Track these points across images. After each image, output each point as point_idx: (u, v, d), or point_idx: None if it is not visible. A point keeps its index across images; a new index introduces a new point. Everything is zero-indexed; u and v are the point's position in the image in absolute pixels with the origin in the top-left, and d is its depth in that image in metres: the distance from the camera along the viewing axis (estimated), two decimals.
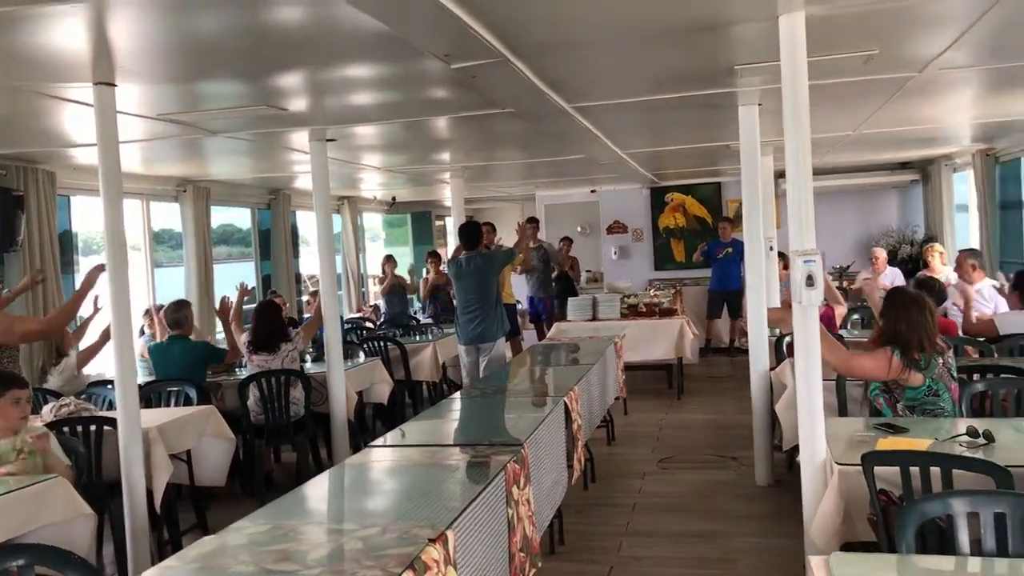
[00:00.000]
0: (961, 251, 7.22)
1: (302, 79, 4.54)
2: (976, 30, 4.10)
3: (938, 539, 2.68)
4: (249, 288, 6.79)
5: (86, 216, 8.07)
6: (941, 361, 4.10)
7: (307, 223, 11.91)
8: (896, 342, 4.04)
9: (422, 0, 2.91)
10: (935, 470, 3.02)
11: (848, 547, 3.44)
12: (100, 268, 4.89)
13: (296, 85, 4.66)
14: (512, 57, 3.95)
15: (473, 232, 7.44)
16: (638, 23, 3.67)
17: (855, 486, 3.33)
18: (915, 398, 4.03)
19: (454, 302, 7.79)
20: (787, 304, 6.94)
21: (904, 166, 12.28)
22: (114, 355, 4.32)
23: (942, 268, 8.78)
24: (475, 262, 7.27)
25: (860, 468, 3.25)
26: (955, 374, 4.18)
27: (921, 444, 3.49)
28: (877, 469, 3.17)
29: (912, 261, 11.47)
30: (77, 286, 7.31)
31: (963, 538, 2.54)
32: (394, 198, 13.65)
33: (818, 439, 3.59)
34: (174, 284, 9.06)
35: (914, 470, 3.06)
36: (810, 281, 3.42)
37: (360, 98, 5.14)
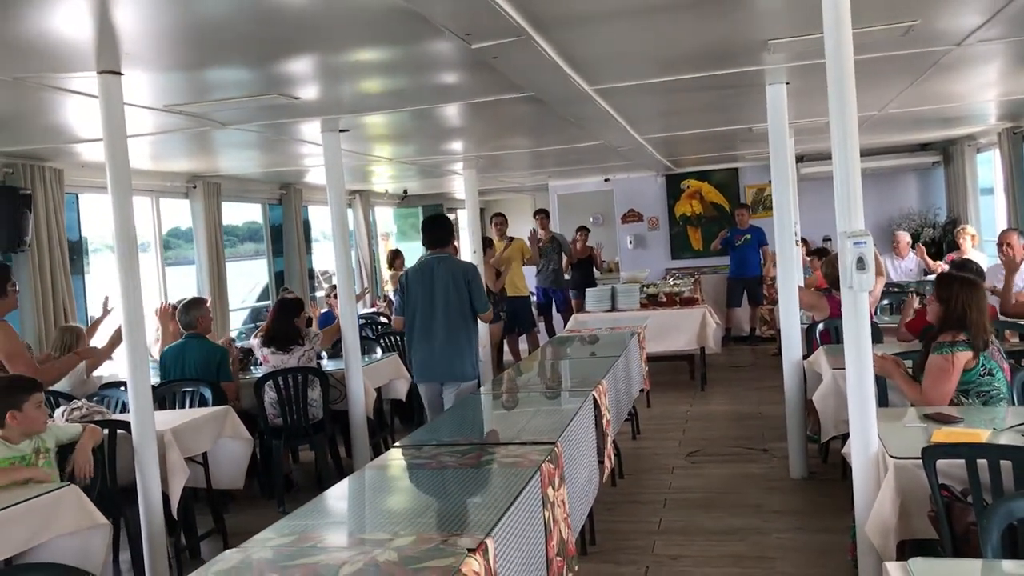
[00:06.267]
0: (1007, 229, 7.02)
1: (314, 64, 4.35)
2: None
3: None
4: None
5: (95, 214, 7.91)
6: (991, 341, 3.93)
7: (319, 218, 11.74)
8: (962, 326, 3.84)
9: None
10: (1006, 464, 2.82)
11: (904, 545, 3.26)
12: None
13: (307, 71, 4.47)
14: (535, 34, 3.75)
15: (440, 227, 5.73)
16: None
17: (912, 481, 3.14)
18: (970, 380, 3.84)
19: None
20: (811, 287, 6.83)
21: (924, 147, 12.02)
22: (126, 357, 4.15)
23: (973, 251, 8.55)
24: (448, 266, 5.54)
25: (918, 462, 3.07)
26: (1004, 355, 4.01)
27: (979, 435, 3.31)
28: (937, 463, 2.98)
29: (935, 244, 11.23)
30: (86, 287, 7.25)
31: None
32: (405, 191, 13.46)
33: (870, 431, 3.39)
34: (187, 283, 8.91)
35: (981, 463, 2.86)
36: (860, 264, 3.21)
37: (373, 84, 4.94)
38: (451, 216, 15.06)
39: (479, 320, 5.68)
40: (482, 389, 5.47)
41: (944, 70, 5.62)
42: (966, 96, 7.29)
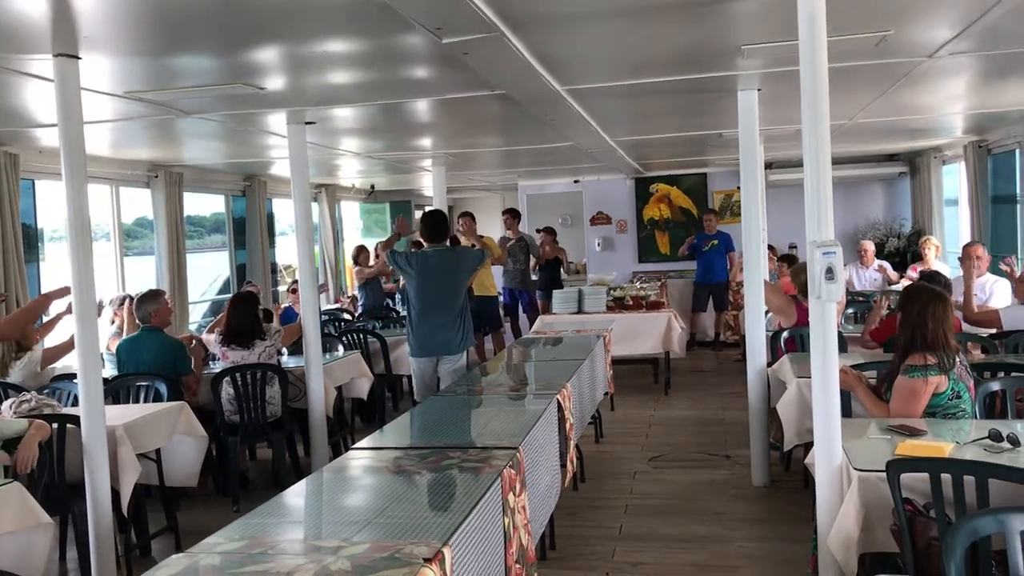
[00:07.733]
0: (972, 242, 7.08)
1: (280, 54, 4.23)
2: (992, 13, 3.90)
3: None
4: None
5: (54, 201, 7.70)
6: (958, 360, 3.91)
7: (284, 211, 11.57)
8: (921, 343, 3.82)
9: None
10: (969, 479, 2.80)
11: (864, 557, 3.24)
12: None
13: (274, 61, 4.35)
14: (507, 31, 3.68)
15: (441, 223, 6.38)
16: None
17: (875, 494, 3.12)
18: (939, 404, 3.81)
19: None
20: (777, 291, 6.82)
21: (891, 158, 12.12)
22: (77, 348, 4.02)
23: (936, 262, 8.62)
24: (446, 258, 6.22)
25: (882, 475, 3.04)
26: (970, 371, 4.00)
27: (942, 448, 3.29)
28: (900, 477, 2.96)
29: (900, 254, 11.34)
30: (41, 275, 7.06)
31: (1020, 560, 2.30)
32: (373, 186, 13.33)
33: (835, 443, 3.36)
34: (150, 273, 8.72)
35: (945, 478, 2.84)
36: (830, 274, 3.18)
37: (341, 77, 4.84)
38: (419, 213, 14.96)
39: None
40: (443, 390, 5.39)
41: (915, 81, 5.64)
42: (934, 108, 7.35)
